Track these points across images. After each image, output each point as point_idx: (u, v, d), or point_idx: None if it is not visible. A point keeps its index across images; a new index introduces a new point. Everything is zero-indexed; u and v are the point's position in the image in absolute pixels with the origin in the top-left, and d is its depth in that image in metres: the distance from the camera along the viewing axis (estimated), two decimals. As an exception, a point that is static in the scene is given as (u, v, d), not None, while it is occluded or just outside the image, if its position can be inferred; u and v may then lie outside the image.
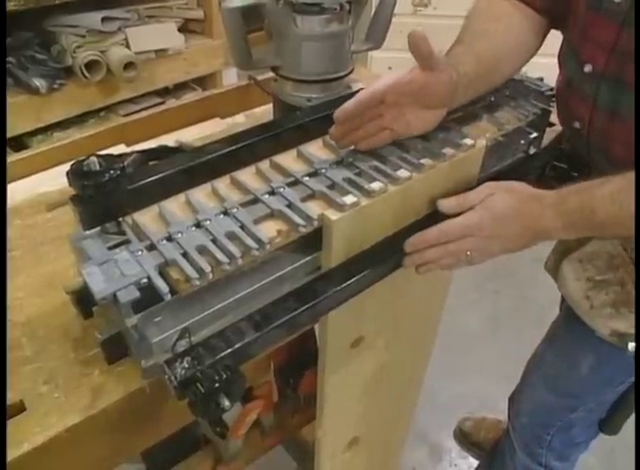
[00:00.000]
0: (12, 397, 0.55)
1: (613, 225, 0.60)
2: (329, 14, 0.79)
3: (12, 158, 0.91)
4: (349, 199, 0.58)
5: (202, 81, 1.90)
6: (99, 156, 0.54)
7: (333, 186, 0.62)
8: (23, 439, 0.52)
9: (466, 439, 1.51)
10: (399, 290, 0.76)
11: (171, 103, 1.65)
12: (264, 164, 0.66)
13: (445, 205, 0.66)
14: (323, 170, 0.63)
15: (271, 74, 0.90)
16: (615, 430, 1.00)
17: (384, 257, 0.64)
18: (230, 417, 0.94)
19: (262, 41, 0.93)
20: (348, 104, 0.62)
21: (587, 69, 0.70)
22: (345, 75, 0.87)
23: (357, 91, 0.87)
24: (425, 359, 1.02)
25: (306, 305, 0.57)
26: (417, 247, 0.63)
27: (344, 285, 0.59)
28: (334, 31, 0.81)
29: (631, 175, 0.59)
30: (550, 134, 0.94)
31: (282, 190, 0.60)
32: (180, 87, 1.85)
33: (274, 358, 0.90)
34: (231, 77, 1.92)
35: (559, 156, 0.86)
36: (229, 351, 0.52)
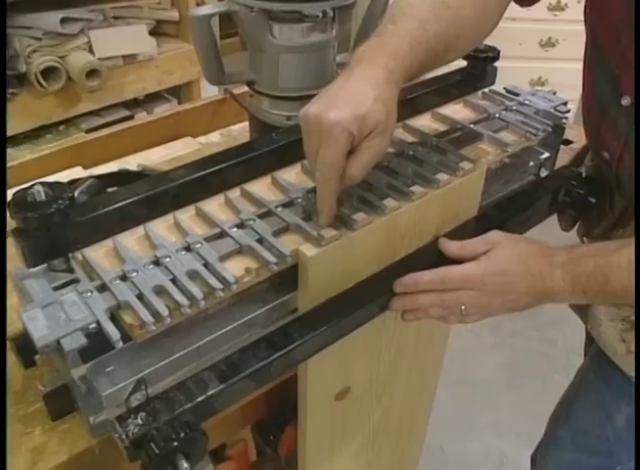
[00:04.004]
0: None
1: (627, 296, 0.63)
2: (310, 22, 0.83)
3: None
4: (328, 232, 0.60)
5: (177, 92, 1.94)
6: (45, 183, 0.57)
7: (309, 217, 0.64)
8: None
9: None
10: (391, 333, 0.78)
11: (141, 117, 1.70)
12: (234, 193, 0.68)
13: (446, 246, 0.69)
14: (299, 200, 0.66)
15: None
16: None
17: (369, 297, 0.66)
18: (200, 481, 0.94)
19: (238, 48, 0.97)
20: (326, 198, 0.60)
21: (625, 102, 0.72)
22: (330, 91, 0.90)
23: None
24: (424, 411, 1.03)
25: (280, 353, 0.58)
26: (409, 288, 0.66)
27: (324, 329, 0.61)
28: (315, 42, 0.84)
29: None
30: (565, 153, 0.97)
31: (252, 222, 0.63)
32: (152, 98, 1.89)
33: (251, 412, 0.92)
34: (211, 87, 1.97)
35: (575, 179, 0.88)
36: (190, 405, 0.53)
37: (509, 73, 2.28)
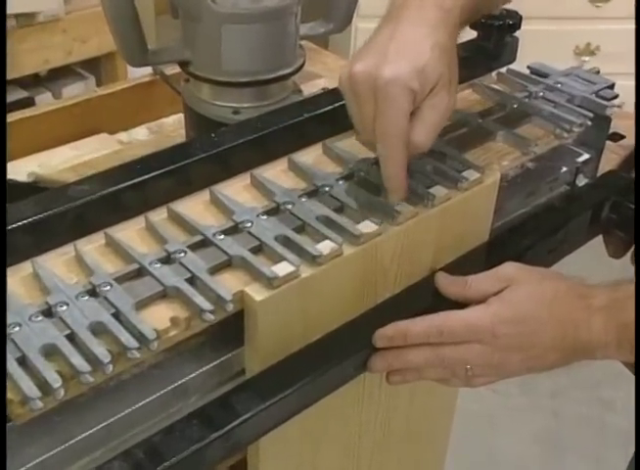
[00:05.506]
0: None
1: None
2: (263, -19, 0.84)
3: None
4: (283, 268, 0.61)
5: (95, 66, 1.94)
6: None
7: (260, 248, 0.65)
8: None
9: None
10: (375, 400, 0.79)
11: (43, 102, 1.69)
12: (159, 215, 0.69)
13: (444, 284, 0.71)
14: (247, 224, 0.67)
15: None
16: None
17: (340, 354, 0.66)
18: None
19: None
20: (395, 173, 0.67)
21: None
22: (291, 73, 0.92)
23: (318, 95, 0.92)
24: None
25: (219, 433, 0.59)
26: (394, 341, 0.67)
27: (279, 398, 0.62)
28: (270, 8, 0.85)
29: None
30: (613, 153, 0.98)
31: (181, 256, 0.63)
32: (60, 75, 1.89)
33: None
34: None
35: (626, 188, 0.90)
36: (93, 509, 0.54)
37: (546, 40, 2.31)
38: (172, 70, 1.09)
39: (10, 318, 0.57)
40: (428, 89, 0.64)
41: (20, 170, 0.96)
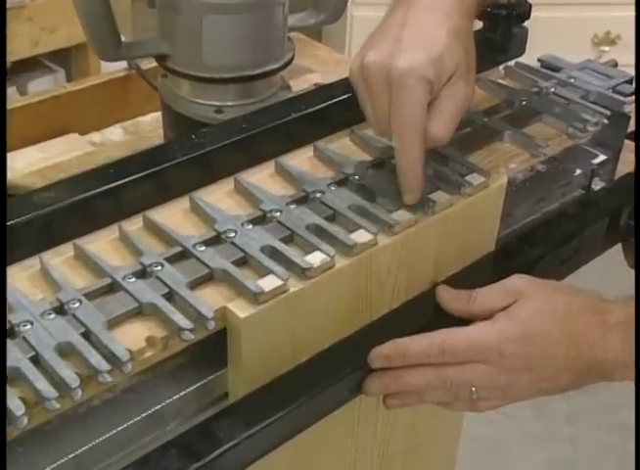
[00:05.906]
0: None
1: None
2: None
3: None
4: (270, 282, 0.62)
5: (65, 59, 1.94)
6: None
7: (244, 260, 0.65)
8: None
9: None
10: (372, 425, 0.79)
11: (7, 98, 1.69)
12: (134, 224, 0.69)
13: (447, 298, 0.71)
14: (230, 234, 0.67)
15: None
16: None
17: (333, 376, 0.66)
18: None
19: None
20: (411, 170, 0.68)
21: None
22: (279, 69, 0.92)
23: (309, 92, 0.93)
24: None
25: (200, 463, 0.58)
26: (392, 361, 0.67)
27: (266, 424, 0.62)
28: (256, -3, 0.86)
29: None
30: (633, 154, 0.99)
31: (158, 269, 0.63)
32: (26, 67, 1.89)
33: None
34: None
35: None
36: None
37: (560, 29, 2.32)
38: (149, 63, 1.10)
39: (-32, 339, 0.57)
40: (445, 79, 0.66)
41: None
